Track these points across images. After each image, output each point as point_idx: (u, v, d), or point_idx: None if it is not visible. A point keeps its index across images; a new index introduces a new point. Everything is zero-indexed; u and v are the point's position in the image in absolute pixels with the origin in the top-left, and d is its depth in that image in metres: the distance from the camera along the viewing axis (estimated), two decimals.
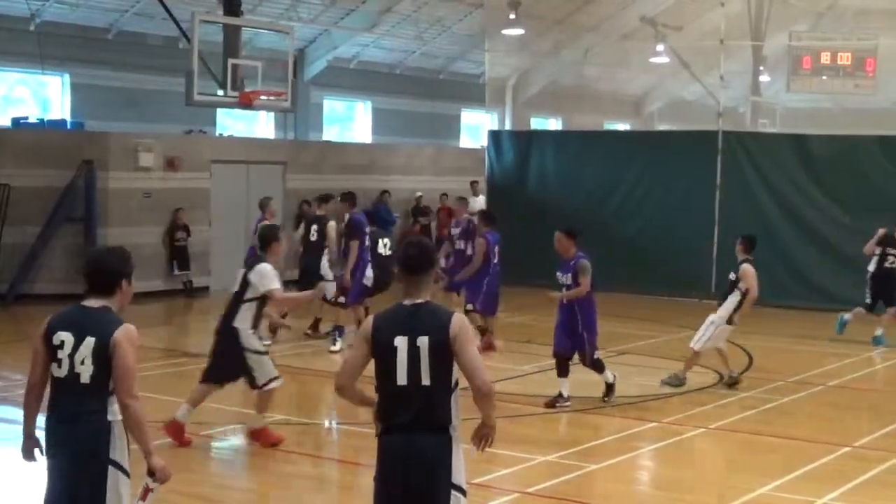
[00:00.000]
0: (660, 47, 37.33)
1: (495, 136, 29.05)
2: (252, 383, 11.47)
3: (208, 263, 24.83)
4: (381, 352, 6.31)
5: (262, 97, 22.92)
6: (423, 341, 6.24)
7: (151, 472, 6.53)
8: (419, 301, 6.41)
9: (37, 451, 6.76)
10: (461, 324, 6.33)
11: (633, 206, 25.69)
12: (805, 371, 16.32)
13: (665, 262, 24.67)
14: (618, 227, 25.55)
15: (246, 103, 22.64)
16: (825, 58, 35.38)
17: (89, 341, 6.45)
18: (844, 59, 35.30)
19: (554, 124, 40.30)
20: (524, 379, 15.67)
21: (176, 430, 11.32)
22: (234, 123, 30.98)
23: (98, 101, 27.32)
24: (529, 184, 27.36)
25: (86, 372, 6.46)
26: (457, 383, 6.32)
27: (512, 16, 30.95)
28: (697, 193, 24.84)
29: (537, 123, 39.60)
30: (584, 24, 35.52)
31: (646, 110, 45.13)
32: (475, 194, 28.49)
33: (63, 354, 6.49)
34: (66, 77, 27.62)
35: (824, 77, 35.57)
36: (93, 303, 6.61)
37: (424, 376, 6.24)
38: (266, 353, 11.62)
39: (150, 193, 23.76)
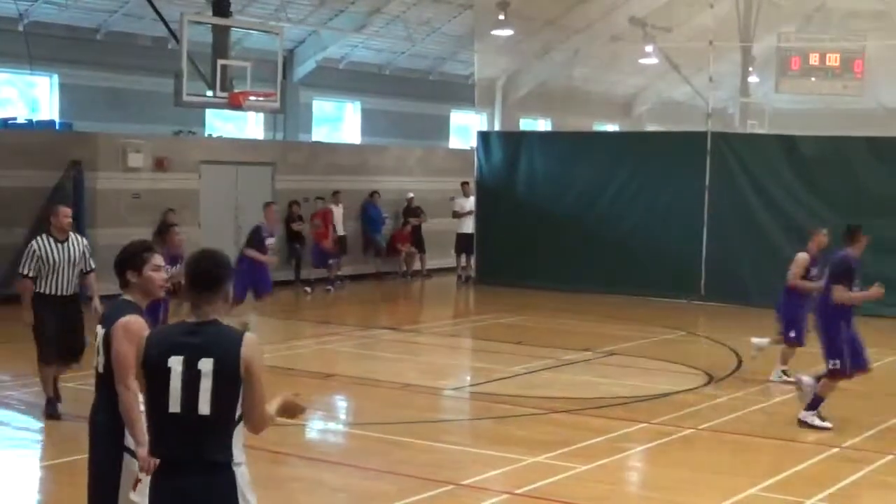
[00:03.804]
0: (649, 48, 37.41)
1: (484, 136, 29.05)
2: None
3: None
4: (152, 373, 5.59)
5: (252, 98, 22.91)
6: (205, 364, 5.50)
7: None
8: (206, 319, 5.64)
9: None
10: (254, 347, 5.60)
11: (623, 208, 25.69)
12: (795, 372, 16.33)
13: (654, 264, 24.70)
14: (607, 229, 25.57)
15: (235, 104, 22.63)
16: (813, 59, 35.54)
17: (101, 331, 6.81)
18: (833, 60, 35.46)
19: (543, 125, 40.30)
20: (513, 380, 15.68)
21: None
22: (223, 124, 30.94)
23: (86, 101, 27.28)
24: (519, 185, 27.38)
25: (100, 362, 6.81)
26: (241, 417, 5.62)
27: (501, 17, 30.97)
28: (686, 195, 24.87)
29: (526, 124, 39.61)
30: (573, 25, 35.55)
31: (635, 111, 45.20)
32: (466, 195, 28.51)
33: (94, 346, 6.93)
34: (55, 77, 27.56)
35: (813, 78, 35.70)
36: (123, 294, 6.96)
37: (203, 404, 5.49)
38: None
39: (138, 194, 23.72)
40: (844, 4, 36.66)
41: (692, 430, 12.76)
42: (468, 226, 28.27)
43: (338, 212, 27.20)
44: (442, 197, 29.47)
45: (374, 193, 28.37)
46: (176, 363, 5.50)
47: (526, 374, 16.11)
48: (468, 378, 16.93)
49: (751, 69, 38.97)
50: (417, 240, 29.05)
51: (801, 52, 35.66)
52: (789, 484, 10.68)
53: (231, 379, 5.50)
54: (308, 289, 25.79)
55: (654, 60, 38.74)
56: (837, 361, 12.70)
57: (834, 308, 12.73)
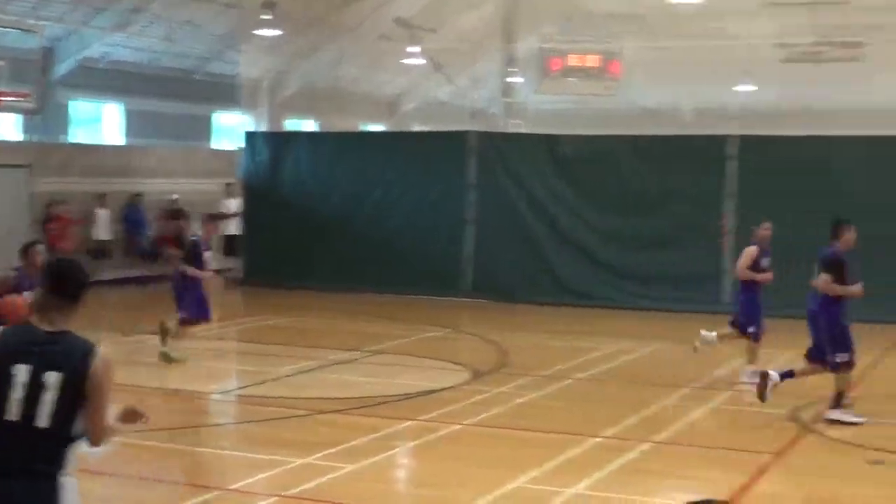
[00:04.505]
0: (414, 49, 37.71)
1: (251, 137, 28.80)
2: None
3: None
4: None
5: (6, 98, 22.17)
6: (51, 378, 5.32)
7: None
8: (59, 329, 5.46)
9: None
10: (105, 364, 5.43)
11: (389, 207, 25.80)
12: (555, 365, 16.74)
13: (421, 262, 24.92)
14: (374, 228, 25.65)
15: None
16: (573, 60, 36.44)
17: None
18: (592, 61, 36.41)
19: (310, 125, 40.19)
20: (282, 382, 15.62)
21: None
22: None
23: None
24: (285, 185, 27.21)
25: None
26: (81, 432, 5.47)
27: (267, 16, 30.72)
28: (452, 193, 25.18)
29: (293, 124, 39.41)
30: (340, 24, 35.54)
31: (401, 111, 45.51)
32: (231, 196, 28.22)
33: None
34: None
35: (573, 79, 36.60)
36: None
37: (42, 417, 5.32)
38: None
39: None
40: (604, 6, 37.60)
41: (459, 426, 12.92)
42: (234, 227, 28.00)
43: (103, 215, 26.59)
44: (207, 198, 29.06)
45: (136, 195, 27.82)
46: (20, 372, 5.32)
47: (294, 375, 16.05)
48: (235, 382, 16.79)
49: (514, 69, 39.67)
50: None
51: (561, 54, 36.50)
52: (553, 474, 10.93)
53: (75, 394, 5.34)
54: None
55: (420, 61, 39.08)
56: (846, 355, 12.97)
57: (831, 302, 12.96)
